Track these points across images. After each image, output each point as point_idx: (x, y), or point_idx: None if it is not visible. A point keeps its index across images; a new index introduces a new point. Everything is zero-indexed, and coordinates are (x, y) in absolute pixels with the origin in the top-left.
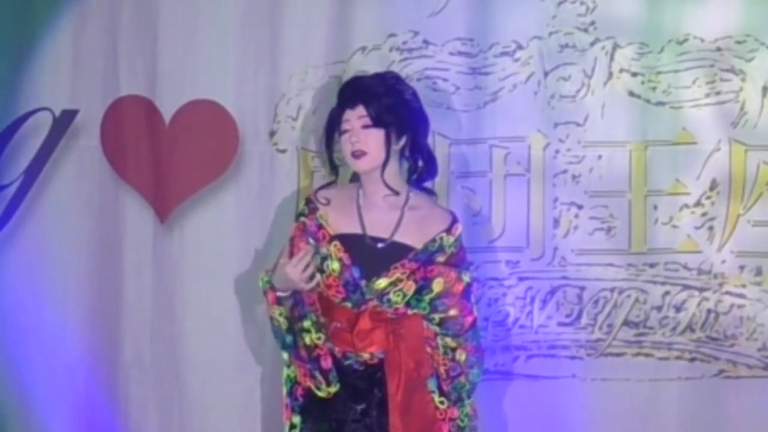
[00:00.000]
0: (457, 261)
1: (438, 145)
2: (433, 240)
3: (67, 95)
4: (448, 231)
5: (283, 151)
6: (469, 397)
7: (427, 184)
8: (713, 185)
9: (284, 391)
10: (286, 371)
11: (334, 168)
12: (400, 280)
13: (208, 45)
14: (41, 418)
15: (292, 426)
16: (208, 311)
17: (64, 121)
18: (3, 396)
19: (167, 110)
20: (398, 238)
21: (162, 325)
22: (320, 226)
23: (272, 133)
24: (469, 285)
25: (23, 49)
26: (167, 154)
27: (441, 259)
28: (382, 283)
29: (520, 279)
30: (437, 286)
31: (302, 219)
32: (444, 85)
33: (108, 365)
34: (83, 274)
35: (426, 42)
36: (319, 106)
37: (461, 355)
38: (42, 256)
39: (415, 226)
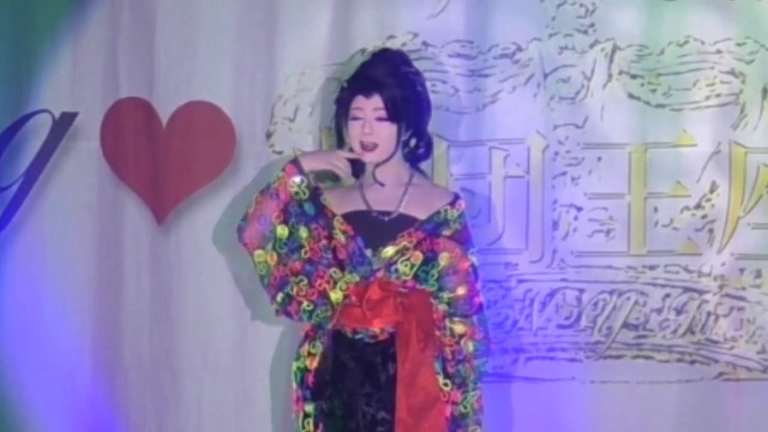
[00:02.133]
0: (462, 238)
1: (437, 146)
2: (438, 212)
3: (67, 97)
4: (452, 204)
5: (279, 153)
6: (475, 387)
7: (420, 166)
8: (713, 187)
9: (294, 384)
10: (295, 364)
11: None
12: (407, 249)
13: (205, 46)
14: (40, 419)
15: (306, 415)
16: (204, 312)
17: (64, 123)
18: (3, 396)
19: (164, 112)
20: (404, 210)
21: (159, 326)
22: (324, 207)
23: (269, 135)
24: (474, 266)
25: (23, 52)
26: (164, 155)
27: (446, 233)
28: (389, 251)
29: (520, 281)
30: (443, 260)
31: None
32: (443, 87)
33: (108, 366)
34: (83, 275)
35: (425, 44)
36: (316, 107)
37: (468, 345)
38: (41, 257)
39: (420, 200)
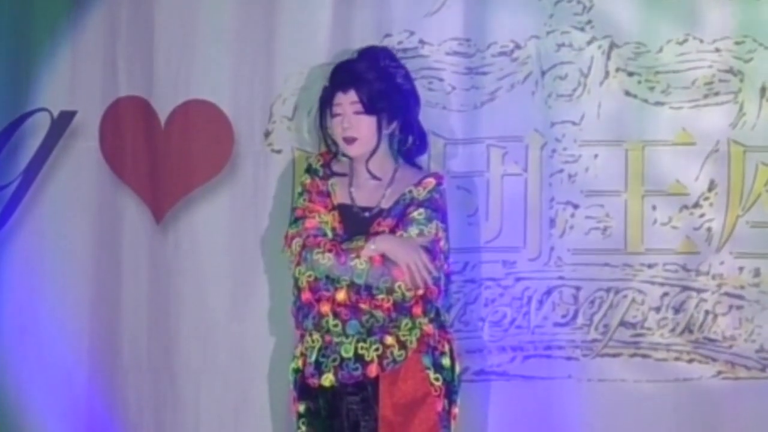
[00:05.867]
0: (428, 205)
1: (434, 145)
2: (402, 195)
3: (66, 96)
4: (418, 184)
5: (278, 152)
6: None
7: (417, 160)
8: (711, 186)
9: (291, 385)
10: (291, 364)
11: (327, 146)
12: None
13: (204, 45)
14: (39, 418)
15: (300, 415)
16: (202, 311)
17: (63, 122)
18: (1, 395)
19: (163, 111)
20: (384, 205)
21: (158, 326)
22: (329, 194)
23: (267, 134)
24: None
25: (23, 51)
26: (163, 154)
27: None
28: None
29: (517, 279)
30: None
31: (317, 179)
32: (440, 85)
33: (106, 366)
34: (81, 273)
35: (422, 42)
36: (314, 106)
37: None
38: (40, 256)
39: (398, 192)
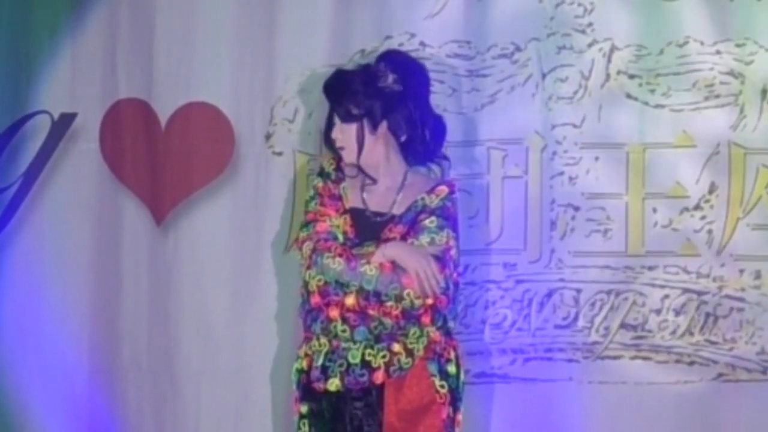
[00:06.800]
0: (440, 213)
1: None
2: (415, 202)
3: (66, 98)
4: (430, 192)
5: (279, 154)
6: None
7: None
8: (712, 188)
9: (294, 385)
10: (295, 364)
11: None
12: None
13: (204, 47)
14: (39, 419)
15: (302, 416)
16: (202, 312)
17: (63, 124)
18: (1, 396)
19: (164, 113)
20: (396, 211)
21: (158, 327)
22: (340, 197)
23: (268, 136)
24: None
25: (23, 53)
26: (163, 156)
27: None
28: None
29: (518, 281)
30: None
31: (329, 183)
32: (441, 88)
33: (106, 367)
34: (81, 275)
35: (423, 44)
36: (315, 108)
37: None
38: (40, 257)
39: (409, 198)
